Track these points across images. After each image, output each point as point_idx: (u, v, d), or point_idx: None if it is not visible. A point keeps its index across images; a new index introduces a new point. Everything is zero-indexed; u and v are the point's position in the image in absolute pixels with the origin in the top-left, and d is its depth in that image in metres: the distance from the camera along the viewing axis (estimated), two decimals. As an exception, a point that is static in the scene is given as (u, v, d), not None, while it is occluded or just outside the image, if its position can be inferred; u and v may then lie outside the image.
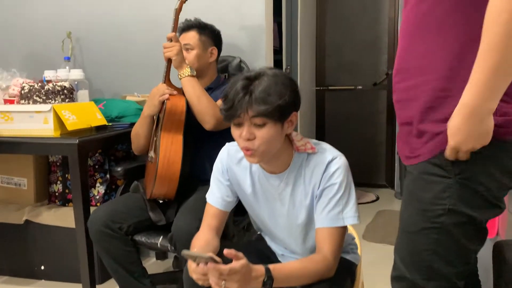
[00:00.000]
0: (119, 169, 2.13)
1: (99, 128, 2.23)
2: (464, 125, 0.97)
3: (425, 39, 1.08)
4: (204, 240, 1.38)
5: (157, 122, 1.96)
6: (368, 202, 3.99)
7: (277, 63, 2.97)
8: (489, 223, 1.13)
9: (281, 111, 1.23)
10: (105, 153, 2.46)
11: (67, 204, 2.49)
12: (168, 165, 1.86)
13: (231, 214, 1.79)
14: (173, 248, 1.78)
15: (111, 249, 1.86)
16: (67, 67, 2.49)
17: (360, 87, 4.44)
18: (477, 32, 0.95)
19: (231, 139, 1.35)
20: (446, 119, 1.02)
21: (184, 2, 1.98)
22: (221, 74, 2.23)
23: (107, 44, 2.73)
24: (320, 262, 1.28)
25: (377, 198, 4.11)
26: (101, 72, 2.74)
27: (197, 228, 1.46)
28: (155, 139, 1.96)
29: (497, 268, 1.33)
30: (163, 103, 1.90)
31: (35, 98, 2.06)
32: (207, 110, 1.88)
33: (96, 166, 2.43)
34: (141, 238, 1.89)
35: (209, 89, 2.05)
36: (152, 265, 2.71)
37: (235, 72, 2.27)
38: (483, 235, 1.11)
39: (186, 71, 1.93)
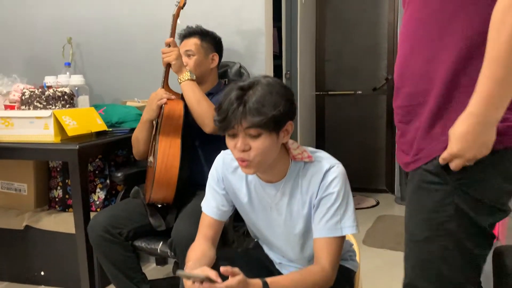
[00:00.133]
0: (119, 174, 2.14)
1: (99, 134, 2.23)
2: (470, 134, 0.98)
3: (428, 44, 1.09)
4: (200, 251, 1.37)
5: (156, 127, 1.97)
6: (368, 207, 3.98)
7: (277, 68, 2.97)
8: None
9: (276, 121, 1.21)
10: (105, 158, 2.46)
11: (67, 210, 2.49)
12: (166, 169, 1.86)
13: (230, 220, 1.79)
14: (173, 253, 1.78)
15: (111, 255, 1.86)
16: (67, 73, 2.50)
17: (359, 92, 4.45)
18: (481, 37, 0.96)
19: (230, 143, 1.35)
20: (450, 125, 1.02)
21: (182, 8, 1.99)
22: (222, 80, 2.24)
23: (108, 49, 2.73)
24: (318, 274, 1.27)
25: (377, 203, 4.10)
26: (102, 78, 2.74)
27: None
28: (154, 143, 1.96)
29: (497, 274, 1.32)
30: (161, 107, 1.91)
31: (35, 103, 2.07)
32: (207, 114, 1.88)
33: (96, 172, 2.43)
34: (141, 243, 1.90)
35: (210, 94, 2.06)
36: (152, 270, 2.71)
37: (235, 77, 2.28)
38: (489, 239, 1.11)
39: (186, 75, 1.94)
